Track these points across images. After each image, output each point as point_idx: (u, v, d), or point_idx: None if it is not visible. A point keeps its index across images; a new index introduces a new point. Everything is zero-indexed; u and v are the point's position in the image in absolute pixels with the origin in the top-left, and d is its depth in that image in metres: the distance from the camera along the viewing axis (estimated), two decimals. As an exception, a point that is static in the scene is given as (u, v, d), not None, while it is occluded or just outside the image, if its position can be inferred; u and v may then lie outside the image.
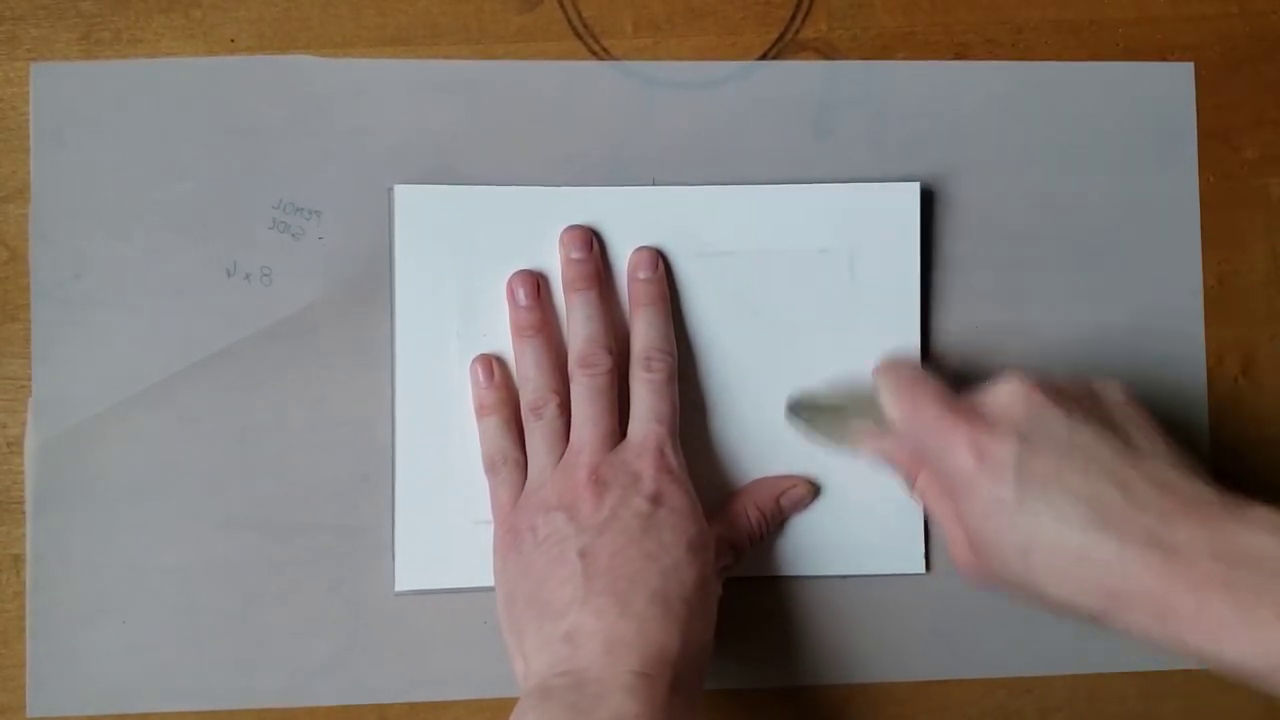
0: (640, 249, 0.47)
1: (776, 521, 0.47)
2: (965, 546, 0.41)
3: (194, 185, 0.46)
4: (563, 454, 0.44)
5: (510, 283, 0.46)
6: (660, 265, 0.47)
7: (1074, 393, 0.40)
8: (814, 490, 0.47)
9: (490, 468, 0.45)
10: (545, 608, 0.41)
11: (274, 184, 0.47)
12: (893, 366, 0.44)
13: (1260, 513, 0.36)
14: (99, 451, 0.46)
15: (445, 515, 0.46)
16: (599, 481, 0.43)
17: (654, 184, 0.48)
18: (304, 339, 0.47)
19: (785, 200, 0.47)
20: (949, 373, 0.47)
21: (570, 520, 0.42)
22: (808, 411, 0.46)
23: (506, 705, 0.46)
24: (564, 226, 0.47)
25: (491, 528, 0.45)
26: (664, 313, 0.46)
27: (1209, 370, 0.50)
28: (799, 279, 0.47)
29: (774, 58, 0.49)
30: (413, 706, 0.47)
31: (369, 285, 0.47)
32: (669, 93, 0.48)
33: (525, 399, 0.45)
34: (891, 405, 0.42)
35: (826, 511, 0.48)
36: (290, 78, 0.47)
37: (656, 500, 0.42)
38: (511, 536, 0.43)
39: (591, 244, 0.46)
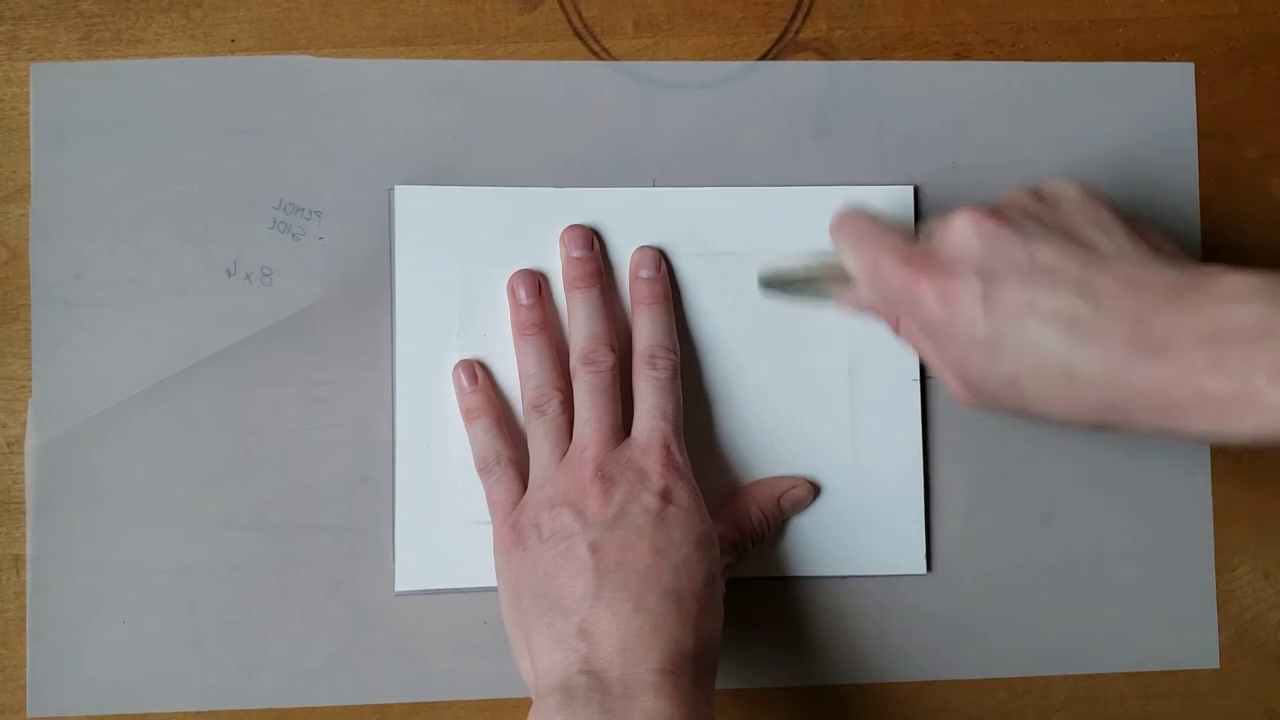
0: (642, 248, 0.47)
1: (778, 522, 0.47)
2: (958, 383, 0.40)
3: (194, 185, 0.46)
4: (565, 451, 0.44)
5: (511, 281, 0.46)
6: (663, 265, 0.47)
7: (1028, 208, 0.39)
8: (814, 491, 0.47)
9: (484, 468, 0.45)
10: (554, 604, 0.41)
11: (274, 184, 0.47)
12: (847, 224, 0.42)
13: (1229, 281, 0.35)
14: (99, 451, 0.46)
15: (445, 515, 0.46)
16: (605, 478, 0.42)
17: (654, 184, 0.48)
18: (304, 339, 0.47)
19: (785, 201, 0.47)
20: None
21: (577, 516, 0.42)
22: (780, 284, 0.46)
23: (506, 705, 0.46)
24: (565, 226, 0.47)
25: (491, 528, 0.45)
26: (667, 311, 0.46)
27: (1209, 370, 0.50)
28: (799, 279, 0.47)
29: (774, 58, 0.49)
30: (413, 706, 0.47)
31: (369, 285, 0.47)
32: (669, 93, 0.48)
33: (527, 396, 0.45)
34: (853, 266, 0.42)
35: (827, 511, 0.48)
36: (290, 78, 0.47)
37: (665, 496, 0.42)
38: (514, 534, 0.43)
39: (592, 243, 0.46)
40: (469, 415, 0.46)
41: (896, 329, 0.43)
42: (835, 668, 0.48)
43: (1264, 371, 0.33)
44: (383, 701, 0.47)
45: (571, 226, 0.47)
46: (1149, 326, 0.35)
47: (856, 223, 0.42)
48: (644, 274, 0.46)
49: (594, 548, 0.41)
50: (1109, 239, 0.38)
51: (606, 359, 0.45)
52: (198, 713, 0.46)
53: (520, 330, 0.46)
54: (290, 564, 0.46)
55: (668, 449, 0.44)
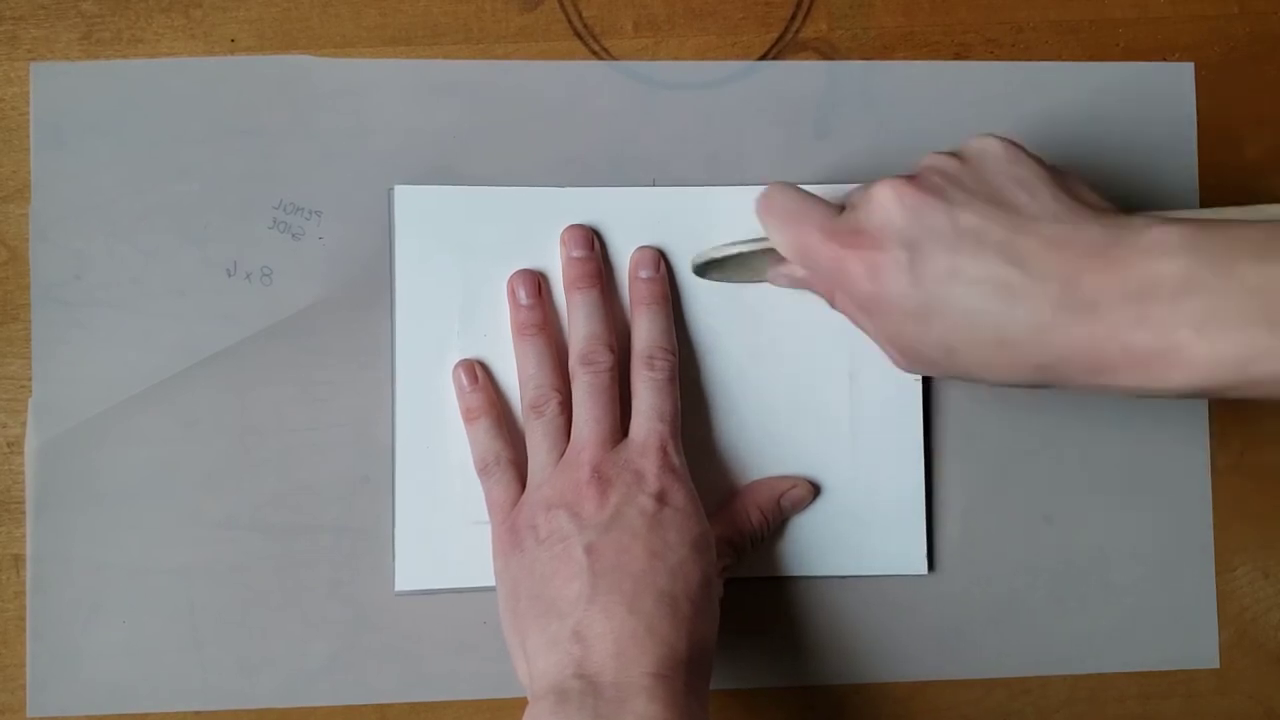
0: (642, 248, 0.47)
1: (777, 522, 0.47)
2: (894, 352, 0.40)
3: (194, 185, 0.46)
4: (563, 452, 0.44)
5: (511, 282, 0.46)
6: (662, 265, 0.47)
7: (950, 172, 0.39)
8: (814, 491, 0.47)
9: (483, 469, 0.45)
10: (550, 606, 0.41)
11: (274, 184, 0.47)
12: (772, 201, 0.42)
13: (1153, 235, 0.35)
14: (99, 451, 0.46)
15: (445, 515, 0.46)
16: (602, 479, 0.42)
17: (654, 184, 0.48)
18: (304, 339, 0.47)
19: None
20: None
21: (574, 518, 0.42)
22: (714, 269, 0.46)
23: (506, 705, 0.46)
24: (565, 226, 0.47)
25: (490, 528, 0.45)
26: (666, 312, 0.46)
27: (1209, 370, 0.50)
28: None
29: (774, 58, 0.49)
30: (413, 706, 0.47)
31: (369, 285, 0.47)
32: (669, 93, 0.48)
33: (526, 397, 0.45)
34: (781, 245, 0.42)
35: (827, 512, 0.48)
36: (290, 78, 0.47)
37: (661, 499, 0.42)
38: (512, 535, 0.43)
39: (593, 243, 0.46)
40: (469, 415, 0.46)
41: (832, 302, 0.42)
42: (835, 668, 0.48)
43: (1189, 325, 0.33)
44: (383, 701, 0.47)
45: (572, 226, 0.47)
46: (1076, 286, 0.35)
47: (781, 200, 0.42)
48: (643, 274, 0.46)
49: (589, 550, 0.41)
50: (1033, 198, 0.37)
51: (605, 359, 0.45)
52: (198, 713, 0.46)
53: (520, 330, 0.46)
54: (290, 564, 0.46)
55: (664, 450, 0.44)
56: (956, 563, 0.48)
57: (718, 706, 0.48)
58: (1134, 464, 0.49)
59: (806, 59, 0.49)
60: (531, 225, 0.47)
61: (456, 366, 0.46)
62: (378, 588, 0.47)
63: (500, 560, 0.44)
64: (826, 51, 0.49)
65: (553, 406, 0.45)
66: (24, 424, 0.46)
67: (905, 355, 0.39)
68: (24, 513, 0.46)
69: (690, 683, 0.39)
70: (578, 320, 0.45)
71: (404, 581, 0.46)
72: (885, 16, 0.49)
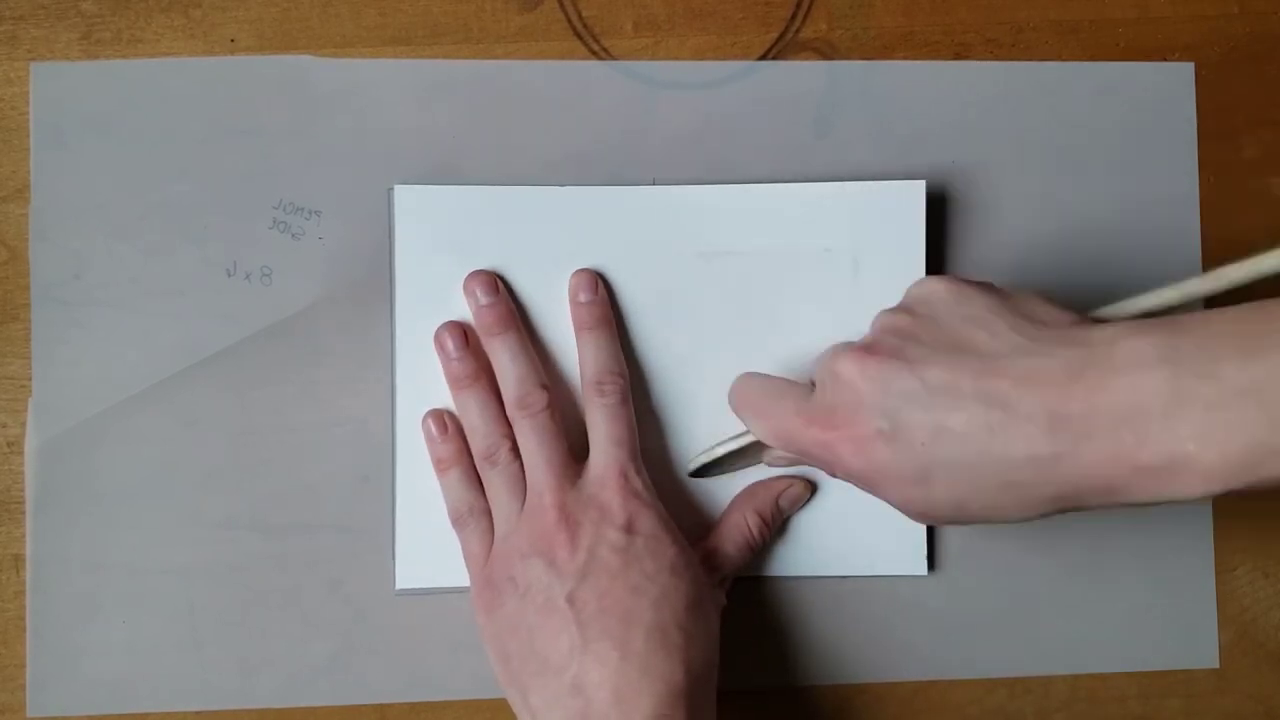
0: (578, 272, 0.46)
1: (778, 524, 0.47)
2: (910, 516, 0.39)
3: (194, 185, 0.46)
4: (524, 497, 0.44)
5: (438, 335, 0.46)
6: (600, 287, 0.46)
7: (903, 329, 0.38)
8: (811, 487, 0.47)
9: (457, 521, 0.45)
10: (545, 663, 0.41)
11: (274, 184, 0.47)
12: (742, 396, 0.43)
13: (1126, 350, 0.34)
14: (99, 451, 0.46)
15: (445, 515, 0.46)
16: (569, 520, 0.42)
17: (654, 184, 0.48)
18: (304, 339, 0.47)
19: (788, 199, 0.47)
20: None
21: (549, 567, 0.42)
22: (712, 468, 0.46)
23: (506, 705, 0.45)
24: (468, 274, 0.46)
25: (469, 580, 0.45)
26: (609, 334, 0.46)
27: (1209, 370, 0.50)
28: (802, 278, 0.47)
29: (774, 58, 0.49)
30: (413, 706, 0.47)
31: (369, 285, 0.47)
32: (669, 93, 0.48)
33: (476, 449, 0.45)
34: (762, 436, 0.42)
35: (827, 512, 0.48)
36: (290, 78, 0.47)
37: (629, 529, 0.42)
38: (491, 591, 0.43)
39: (497, 286, 0.46)
40: (439, 466, 0.46)
41: (833, 475, 0.41)
42: (835, 668, 0.48)
43: (1190, 439, 0.32)
44: (383, 701, 0.47)
45: (472, 274, 0.46)
46: (1064, 415, 0.34)
47: (751, 392, 0.42)
48: (582, 298, 0.46)
49: (571, 600, 0.41)
50: (992, 335, 0.37)
51: (539, 399, 0.44)
52: (198, 713, 0.46)
53: (455, 384, 0.45)
54: (290, 564, 0.46)
55: (624, 476, 0.43)
56: (956, 563, 0.48)
57: (718, 707, 0.48)
58: (1134, 464, 0.49)
59: (806, 59, 0.49)
60: (531, 225, 0.47)
61: (425, 417, 0.46)
62: (378, 587, 0.47)
63: (484, 616, 0.43)
64: (826, 51, 0.49)
65: (504, 454, 0.44)
66: (24, 424, 0.46)
67: (919, 517, 0.39)
68: (24, 513, 0.46)
69: (693, 710, 0.40)
70: (503, 365, 0.45)
71: (404, 581, 0.46)
72: (885, 16, 0.49)
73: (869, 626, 0.48)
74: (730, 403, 0.43)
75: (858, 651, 0.48)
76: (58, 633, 0.46)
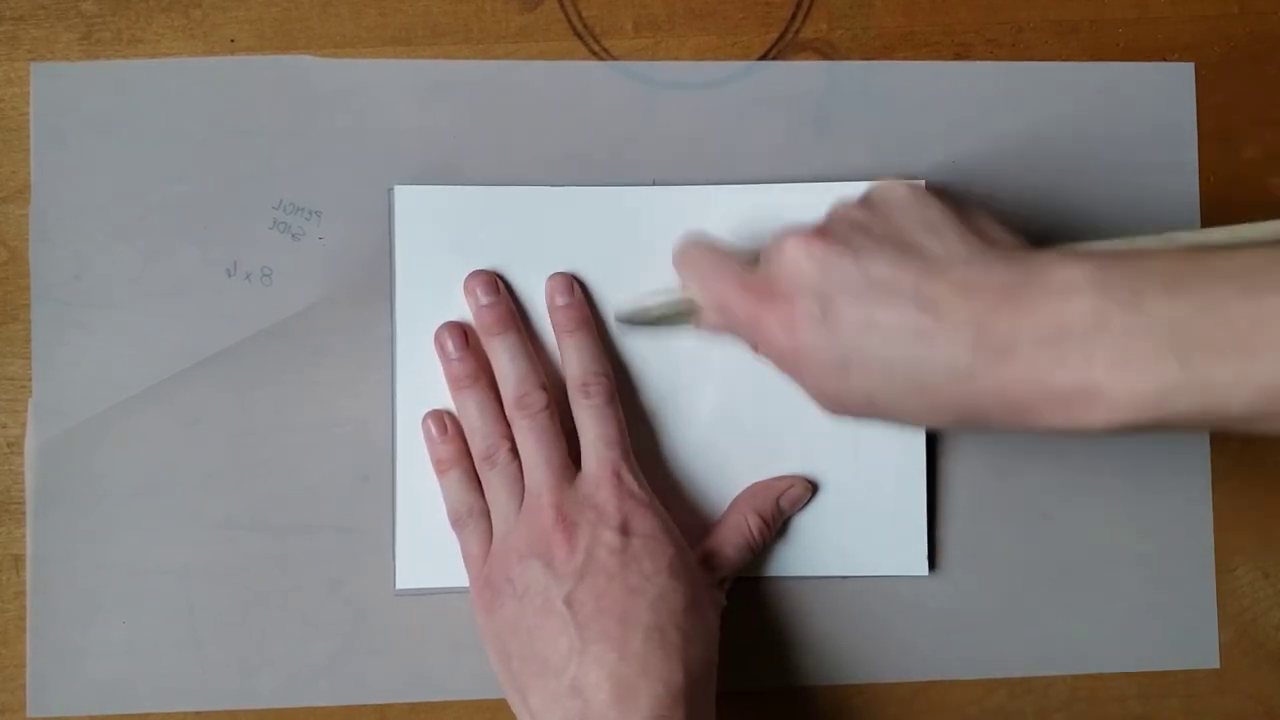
0: (553, 276, 0.46)
1: (778, 524, 0.47)
2: (819, 402, 0.39)
3: (194, 185, 0.46)
4: (523, 498, 0.44)
5: (437, 335, 0.46)
6: (577, 289, 0.46)
7: (857, 220, 0.38)
8: (811, 488, 0.47)
9: (456, 522, 0.45)
10: (544, 664, 0.41)
11: (274, 184, 0.47)
12: (688, 256, 0.42)
13: (1060, 275, 0.34)
14: (99, 451, 0.46)
15: (445, 515, 0.46)
16: (567, 521, 0.42)
17: (654, 184, 0.48)
18: (304, 339, 0.47)
19: (787, 199, 0.47)
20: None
21: (547, 568, 0.42)
22: (639, 319, 0.45)
23: (506, 706, 0.45)
24: (468, 274, 0.46)
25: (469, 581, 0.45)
26: (590, 335, 0.46)
27: (1209, 370, 0.50)
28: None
29: (774, 58, 0.49)
30: (413, 706, 0.47)
31: (369, 285, 0.47)
32: (669, 93, 0.48)
33: (475, 449, 0.45)
34: (698, 297, 0.41)
35: (827, 512, 0.48)
36: (290, 78, 0.47)
37: (625, 530, 0.42)
38: (489, 591, 0.43)
39: (498, 286, 0.46)
40: (439, 467, 0.46)
41: (755, 351, 0.41)
42: (835, 668, 0.48)
43: (1103, 364, 0.32)
44: (383, 701, 0.47)
45: (475, 273, 0.46)
46: (990, 330, 0.34)
47: (696, 254, 0.42)
48: (560, 302, 0.46)
49: (569, 601, 0.41)
50: (941, 242, 0.37)
51: (538, 399, 0.44)
52: (198, 713, 0.46)
53: (454, 384, 0.45)
54: (290, 564, 0.46)
55: (618, 477, 0.43)
56: (956, 563, 0.48)
57: (717, 707, 0.48)
58: (1134, 464, 0.49)
59: (806, 59, 0.49)
60: (531, 225, 0.47)
61: (425, 418, 0.46)
62: (378, 587, 0.47)
63: (483, 617, 0.43)
64: (826, 51, 0.49)
65: (503, 454, 0.44)
66: (24, 424, 0.46)
67: (828, 404, 0.39)
68: (24, 513, 0.46)
69: (691, 712, 0.40)
70: (502, 365, 0.45)
71: (404, 581, 0.46)
72: (885, 16, 0.49)
73: (869, 626, 0.48)
74: (673, 259, 0.43)
75: (858, 651, 0.48)
76: (58, 633, 0.46)
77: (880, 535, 0.48)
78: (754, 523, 0.46)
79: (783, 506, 0.47)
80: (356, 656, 0.47)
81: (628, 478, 0.44)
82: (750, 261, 0.40)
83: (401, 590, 0.46)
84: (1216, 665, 0.49)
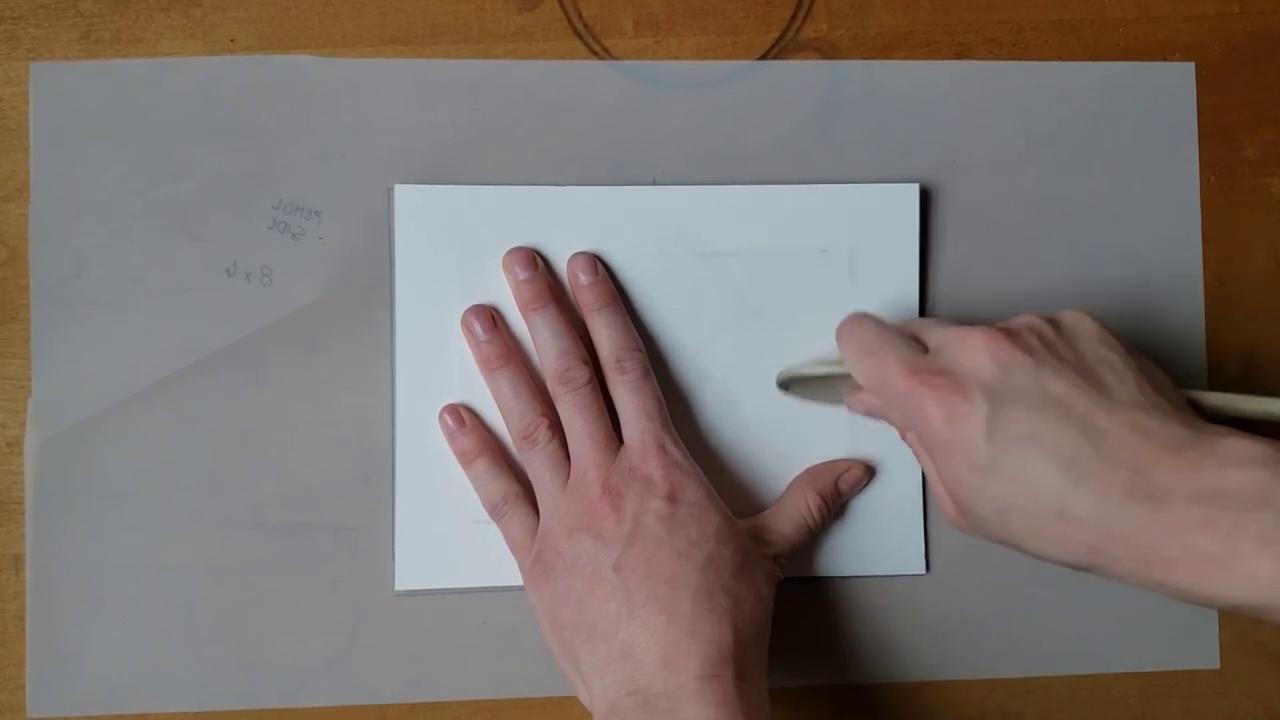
0: (576, 255, 0.46)
1: (836, 505, 0.47)
2: (950, 502, 0.40)
3: (194, 185, 0.46)
4: (567, 475, 0.44)
5: (465, 318, 0.46)
6: (600, 267, 0.46)
7: (1044, 337, 0.39)
8: (870, 472, 0.47)
9: (495, 511, 0.45)
10: (594, 630, 0.41)
11: (274, 184, 0.47)
12: (852, 332, 0.42)
13: (1232, 445, 0.35)
14: (99, 451, 0.46)
15: (445, 515, 0.46)
16: (613, 493, 0.42)
17: (654, 184, 0.48)
18: (304, 339, 0.47)
19: (786, 200, 0.47)
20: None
21: (596, 539, 0.42)
22: (797, 386, 0.46)
23: (506, 705, 0.46)
24: (506, 252, 0.46)
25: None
26: (619, 310, 0.46)
27: (1209, 370, 0.50)
28: (799, 279, 0.47)
29: (774, 58, 0.49)
30: (413, 706, 0.47)
31: (369, 285, 0.47)
32: (669, 93, 0.48)
33: (514, 429, 0.45)
34: (858, 373, 0.42)
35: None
36: (290, 78, 0.47)
37: (673, 498, 0.42)
38: (540, 567, 0.43)
39: (536, 262, 0.46)
40: (464, 459, 0.46)
41: (903, 436, 0.42)
42: (835, 668, 0.48)
43: (1253, 538, 0.33)
44: (383, 701, 0.47)
45: (513, 249, 0.46)
46: (1148, 476, 0.35)
47: (861, 332, 0.42)
48: (584, 280, 0.46)
49: (618, 567, 0.41)
50: (1120, 382, 0.38)
51: (582, 373, 0.44)
52: (198, 713, 0.46)
53: (486, 366, 0.46)
54: (290, 564, 0.46)
55: (662, 448, 0.44)
56: (956, 563, 0.48)
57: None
58: (1134, 464, 0.49)
59: (807, 58, 0.49)
60: (531, 225, 0.47)
61: (442, 412, 0.46)
62: (378, 587, 0.47)
63: (535, 594, 0.44)
64: (827, 51, 0.49)
65: (543, 433, 0.44)
66: (24, 424, 0.46)
67: (959, 508, 0.39)
68: (24, 512, 0.46)
69: (742, 674, 0.40)
70: (544, 340, 0.45)
71: (404, 581, 0.46)
72: (885, 16, 0.49)
73: (869, 626, 0.48)
74: (838, 336, 0.43)
75: (858, 651, 0.48)
76: (58, 633, 0.46)
77: (879, 535, 0.48)
78: (814, 502, 0.46)
79: (841, 489, 0.47)
80: (356, 656, 0.47)
81: (672, 448, 0.44)
82: (916, 346, 0.41)
83: (401, 591, 0.46)
84: (1217, 665, 0.49)
